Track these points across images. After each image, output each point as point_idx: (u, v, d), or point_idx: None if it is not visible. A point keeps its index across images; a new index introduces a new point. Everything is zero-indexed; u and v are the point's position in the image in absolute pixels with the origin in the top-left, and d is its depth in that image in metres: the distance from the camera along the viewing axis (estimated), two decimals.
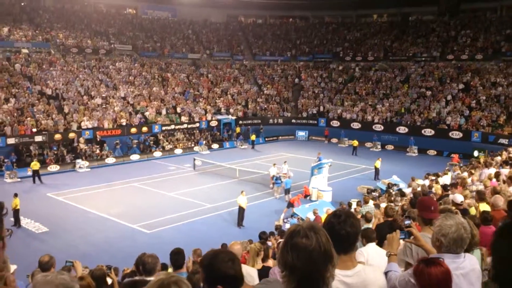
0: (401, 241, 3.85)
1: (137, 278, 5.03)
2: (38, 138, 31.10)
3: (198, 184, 26.49)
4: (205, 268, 2.29)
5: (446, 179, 16.64)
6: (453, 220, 3.14)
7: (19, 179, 27.08)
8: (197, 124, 40.43)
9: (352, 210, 13.84)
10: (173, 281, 1.87)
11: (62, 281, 2.25)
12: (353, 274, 2.62)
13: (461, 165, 22.03)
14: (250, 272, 5.40)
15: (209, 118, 41.65)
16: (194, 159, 31.12)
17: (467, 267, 3.11)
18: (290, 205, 20.54)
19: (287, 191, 23.11)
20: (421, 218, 4.19)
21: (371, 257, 5.26)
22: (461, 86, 40.75)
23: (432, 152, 36.45)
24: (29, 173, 27.20)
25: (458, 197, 7.86)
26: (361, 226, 2.81)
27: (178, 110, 40.64)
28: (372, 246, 5.60)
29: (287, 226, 17.06)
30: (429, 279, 2.64)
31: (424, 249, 3.66)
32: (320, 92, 48.35)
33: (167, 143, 36.71)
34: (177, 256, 6.24)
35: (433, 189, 13.79)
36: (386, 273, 3.49)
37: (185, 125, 39.65)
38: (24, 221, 19.17)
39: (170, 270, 9.81)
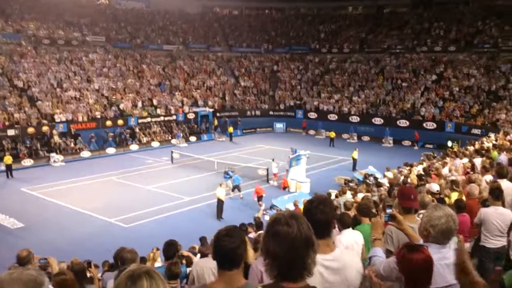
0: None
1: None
2: (11, 132, 30.36)
3: (176, 177, 26.33)
4: None
5: (420, 169, 16.95)
6: (443, 212, 3.17)
7: None
8: (174, 117, 40.10)
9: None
10: (144, 271, 1.89)
11: (30, 277, 2.16)
12: (332, 258, 2.70)
13: (435, 155, 22.46)
14: None
15: (186, 110, 41.35)
16: (172, 152, 30.90)
17: (452, 258, 3.17)
18: (259, 198, 20.43)
19: (236, 188, 22.51)
20: (401, 207, 4.22)
21: (350, 244, 5.35)
22: (434, 77, 41.49)
23: (407, 142, 37.08)
24: (2, 167, 26.58)
25: (434, 186, 8.04)
26: (334, 211, 2.88)
27: (155, 102, 40.22)
28: (348, 232, 5.68)
29: (267, 218, 17.15)
30: (410, 265, 2.68)
31: (406, 233, 3.72)
32: (297, 84, 48.55)
33: (143, 136, 36.33)
34: (168, 247, 6.37)
35: (408, 179, 14.05)
36: (370, 258, 3.56)
37: (161, 118, 39.27)
38: None
39: (148, 263, 9.77)
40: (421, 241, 3.29)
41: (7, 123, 30.60)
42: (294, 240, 2.01)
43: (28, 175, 26.81)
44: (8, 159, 26.25)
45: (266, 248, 2.06)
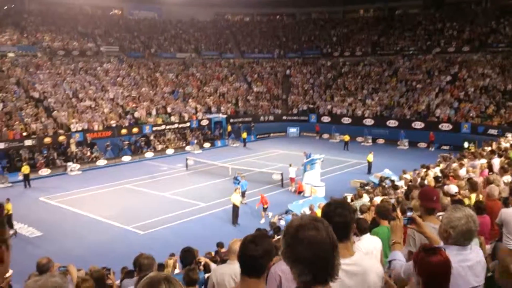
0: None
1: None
2: (28, 142, 30.80)
3: (191, 184, 26.42)
4: None
5: (437, 171, 16.74)
6: (462, 213, 3.13)
7: (10, 184, 26.83)
8: (188, 124, 40.32)
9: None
10: (163, 277, 1.90)
11: (55, 284, 2.18)
12: (351, 262, 2.68)
13: (451, 156, 22.19)
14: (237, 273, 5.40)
15: (199, 117, 41.55)
16: (186, 159, 31.03)
17: (473, 259, 3.11)
18: (264, 209, 19.94)
19: (243, 194, 21.86)
20: (424, 208, 4.21)
21: (370, 250, 5.26)
22: (449, 78, 41.07)
23: (422, 144, 36.73)
24: (20, 177, 26.96)
25: (453, 188, 7.92)
26: (352, 215, 2.87)
27: (169, 110, 40.49)
28: (366, 238, 5.57)
29: (282, 222, 17.09)
30: (428, 268, 2.63)
31: (426, 236, 3.68)
32: (310, 88, 48.49)
33: (158, 143, 36.57)
34: (186, 254, 6.39)
35: (425, 181, 13.88)
36: (390, 262, 3.51)
37: (176, 125, 39.51)
38: (18, 226, 18.98)
39: (167, 270, 9.79)
40: (441, 244, 3.24)
41: (24, 134, 31.07)
42: (324, 244, 1.96)
43: (45, 184, 27.15)
44: (25, 169, 26.61)
45: (295, 255, 1.97)
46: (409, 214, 3.81)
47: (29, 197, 24.29)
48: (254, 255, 2.53)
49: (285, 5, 59.96)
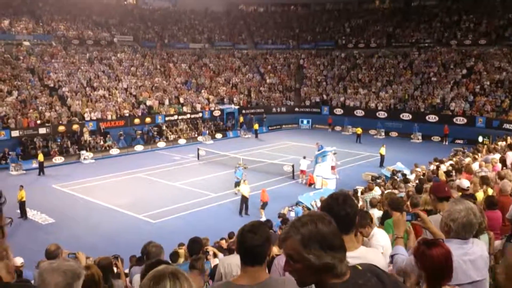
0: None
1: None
2: (42, 130, 31.16)
3: (202, 174, 26.52)
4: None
5: (449, 165, 16.53)
6: (463, 205, 3.10)
7: (24, 171, 27.20)
8: (200, 114, 40.41)
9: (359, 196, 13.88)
10: (169, 272, 1.85)
11: (70, 267, 2.23)
12: (356, 255, 2.65)
13: (465, 150, 21.92)
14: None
15: (212, 107, 41.59)
16: (198, 149, 31.13)
17: (476, 253, 3.07)
18: (264, 204, 19.34)
19: (237, 184, 21.66)
20: (437, 198, 4.46)
21: (387, 243, 5.04)
22: (464, 71, 40.50)
23: (436, 138, 36.35)
24: (34, 165, 27.32)
25: (465, 183, 7.80)
26: (357, 207, 2.84)
27: (181, 100, 40.59)
28: (380, 232, 5.46)
29: (292, 214, 17.09)
30: (430, 261, 2.59)
31: (430, 231, 3.64)
32: (323, 80, 48.17)
33: (170, 133, 36.74)
34: (193, 244, 6.42)
35: (437, 175, 13.73)
36: (392, 256, 3.48)
37: (188, 115, 39.61)
38: (31, 213, 19.29)
39: (181, 260, 9.87)
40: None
41: (38, 122, 31.41)
42: (340, 235, 1.94)
43: (59, 172, 27.47)
44: (41, 156, 26.96)
45: (334, 244, 1.89)
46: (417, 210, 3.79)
47: (43, 185, 24.61)
48: (254, 245, 2.51)
49: None
